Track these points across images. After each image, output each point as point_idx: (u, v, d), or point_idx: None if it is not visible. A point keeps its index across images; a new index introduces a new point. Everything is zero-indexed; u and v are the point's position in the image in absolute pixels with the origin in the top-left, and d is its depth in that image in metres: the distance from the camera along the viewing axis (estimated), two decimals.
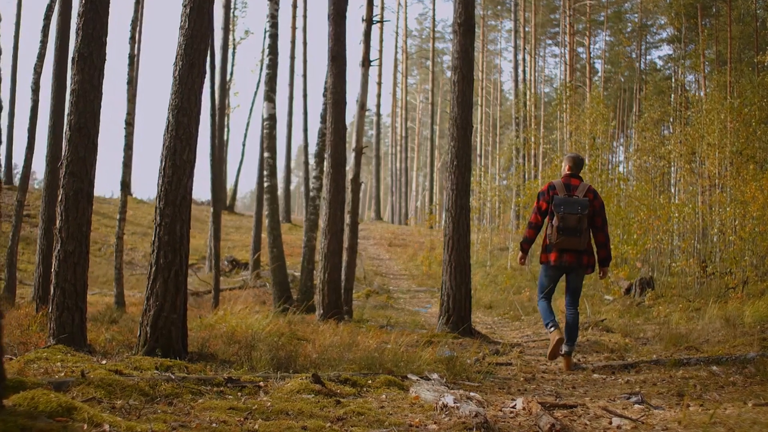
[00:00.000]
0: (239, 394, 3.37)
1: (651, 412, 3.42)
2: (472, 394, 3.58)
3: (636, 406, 3.58)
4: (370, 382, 3.85)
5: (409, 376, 4.10)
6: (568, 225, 5.21)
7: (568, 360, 5.36)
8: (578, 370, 5.29)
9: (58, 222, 4.75)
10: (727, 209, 12.95)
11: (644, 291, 11.47)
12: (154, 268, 4.54)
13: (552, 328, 5.35)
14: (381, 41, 33.50)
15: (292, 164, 35.42)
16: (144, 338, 4.50)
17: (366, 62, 10.16)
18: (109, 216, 21.61)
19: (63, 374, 3.75)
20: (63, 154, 4.80)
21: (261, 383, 3.54)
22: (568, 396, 4.06)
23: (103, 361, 4.26)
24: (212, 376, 3.53)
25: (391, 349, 5.08)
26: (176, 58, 4.71)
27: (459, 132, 7.71)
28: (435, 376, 4.11)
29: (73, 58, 4.84)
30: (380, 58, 33.56)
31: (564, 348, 5.35)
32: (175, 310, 4.50)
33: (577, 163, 5.56)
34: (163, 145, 4.64)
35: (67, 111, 4.86)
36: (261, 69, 20.36)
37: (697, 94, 23.09)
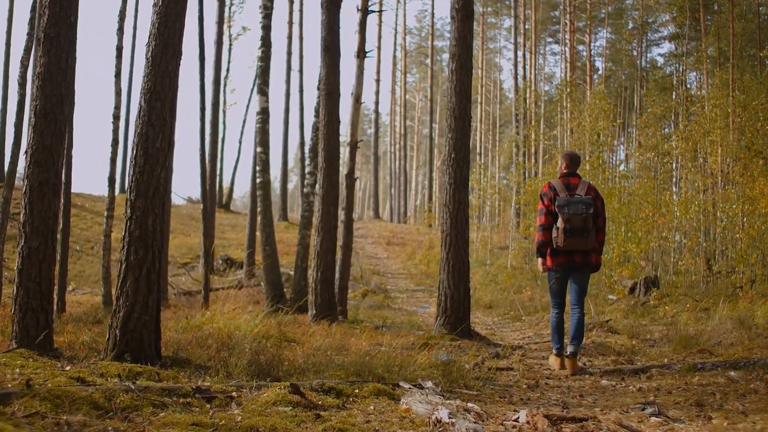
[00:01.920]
0: (208, 406, 2.99)
1: (671, 426, 3.05)
2: (470, 405, 3.22)
3: (653, 418, 3.20)
4: (357, 391, 3.48)
5: (401, 384, 3.73)
6: (574, 226, 4.99)
7: (574, 363, 5.01)
8: (585, 375, 4.93)
9: (21, 216, 4.39)
10: (734, 206, 12.57)
11: (649, 290, 11.09)
12: (124, 266, 4.17)
13: (556, 354, 5.33)
14: (379, 37, 33.16)
15: (290, 162, 35.04)
16: (113, 342, 4.12)
17: (361, 53, 9.81)
18: (102, 214, 21.20)
19: (18, 382, 3.38)
20: (27, 142, 4.43)
21: (234, 394, 3.17)
22: (576, 406, 3.69)
23: (67, 367, 3.90)
24: (179, 386, 3.15)
25: (384, 353, 4.72)
26: (149, 38, 4.34)
27: (457, 123, 7.34)
28: (429, 384, 3.74)
29: (38, 39, 4.48)
30: (378, 52, 33.13)
31: (569, 348, 5.06)
32: (147, 311, 4.13)
33: (574, 161, 5.38)
34: (135, 132, 4.28)
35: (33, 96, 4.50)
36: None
37: (698, 92, 22.71)
